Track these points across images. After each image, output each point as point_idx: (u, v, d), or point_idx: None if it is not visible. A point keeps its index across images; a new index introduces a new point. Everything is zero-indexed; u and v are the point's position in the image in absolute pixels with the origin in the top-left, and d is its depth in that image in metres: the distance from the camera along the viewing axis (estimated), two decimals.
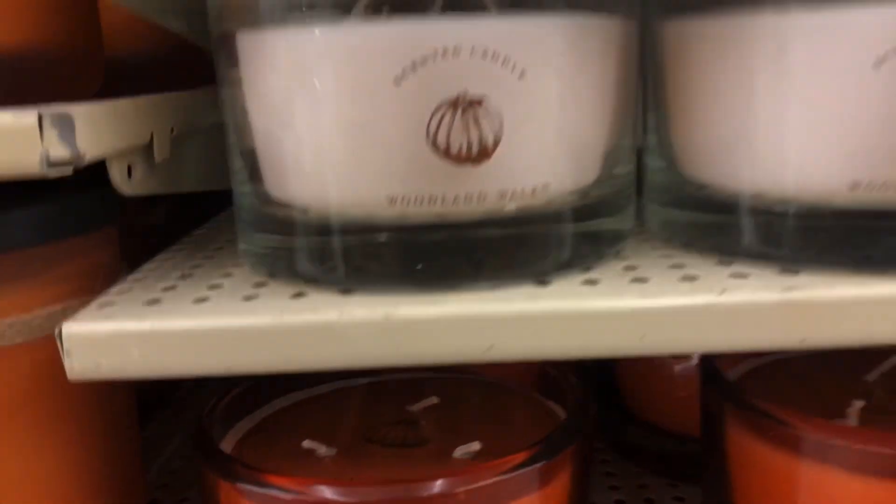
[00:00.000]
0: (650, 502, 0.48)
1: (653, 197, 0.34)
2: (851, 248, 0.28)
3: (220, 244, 0.37)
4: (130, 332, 0.26)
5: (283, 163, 0.29)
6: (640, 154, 0.34)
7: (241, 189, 0.31)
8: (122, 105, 0.30)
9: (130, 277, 0.32)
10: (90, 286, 0.32)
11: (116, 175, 0.30)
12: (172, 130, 0.35)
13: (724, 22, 0.28)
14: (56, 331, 0.26)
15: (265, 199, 0.30)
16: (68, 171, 0.26)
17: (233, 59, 0.29)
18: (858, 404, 0.35)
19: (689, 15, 0.30)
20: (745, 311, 0.26)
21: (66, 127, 0.25)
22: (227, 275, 0.32)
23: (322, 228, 0.28)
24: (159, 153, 0.33)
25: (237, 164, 0.31)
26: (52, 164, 0.25)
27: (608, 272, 0.30)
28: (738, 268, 0.29)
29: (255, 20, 0.28)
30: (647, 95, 0.35)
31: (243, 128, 0.30)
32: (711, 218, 0.31)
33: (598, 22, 0.28)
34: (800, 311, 0.26)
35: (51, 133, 0.25)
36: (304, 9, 0.26)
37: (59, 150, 0.25)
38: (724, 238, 0.30)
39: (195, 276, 0.32)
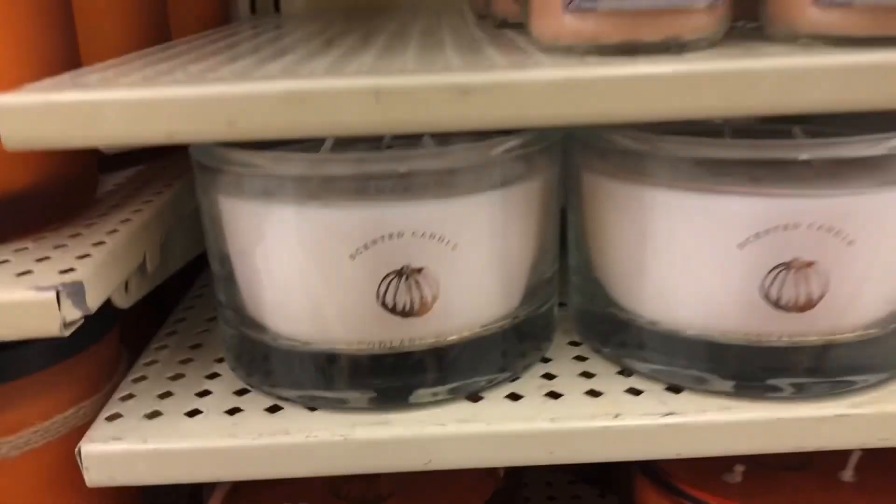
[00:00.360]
0: None
1: (572, 286, 0.40)
2: (725, 376, 0.34)
3: (204, 325, 0.43)
4: (136, 452, 0.33)
5: (255, 297, 0.34)
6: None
7: (220, 297, 0.37)
8: (120, 241, 0.35)
9: (131, 377, 0.38)
10: (98, 384, 0.38)
11: (115, 297, 0.36)
12: (161, 239, 0.40)
13: (624, 186, 0.34)
14: (76, 450, 0.32)
15: (241, 314, 0.36)
16: (80, 324, 0.32)
17: (212, 190, 0.34)
18: (741, 468, 0.42)
19: (597, 173, 0.35)
20: (632, 432, 0.33)
21: (78, 294, 0.31)
22: (214, 375, 0.38)
23: (290, 357, 0.34)
24: (151, 265, 0.39)
25: (216, 266, 0.37)
26: (67, 325, 0.31)
27: (530, 384, 0.36)
28: (634, 381, 0.36)
29: (238, 193, 0.33)
30: (568, 194, 0.39)
31: (220, 237, 0.35)
32: (615, 333, 0.37)
33: (521, 188, 0.34)
34: (675, 433, 0.33)
35: (66, 303, 0.30)
36: (277, 192, 0.31)
37: (73, 314, 0.31)
38: (624, 353, 0.37)
39: (187, 376, 0.38)
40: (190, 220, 0.45)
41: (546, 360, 0.38)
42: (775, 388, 0.33)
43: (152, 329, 0.43)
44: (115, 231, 0.36)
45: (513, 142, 0.33)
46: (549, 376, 0.37)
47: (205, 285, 0.49)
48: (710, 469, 0.42)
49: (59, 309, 0.30)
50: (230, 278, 0.36)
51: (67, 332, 0.31)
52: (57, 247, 0.35)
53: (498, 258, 0.34)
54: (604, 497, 0.57)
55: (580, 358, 0.38)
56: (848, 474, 0.43)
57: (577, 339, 0.40)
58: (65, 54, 0.36)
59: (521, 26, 0.35)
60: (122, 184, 0.45)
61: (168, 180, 0.45)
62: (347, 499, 0.42)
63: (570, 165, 0.37)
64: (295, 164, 0.31)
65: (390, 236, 0.31)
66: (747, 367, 0.34)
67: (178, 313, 0.45)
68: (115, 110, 0.28)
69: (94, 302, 0.32)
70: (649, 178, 0.33)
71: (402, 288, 0.32)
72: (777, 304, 0.32)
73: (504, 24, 0.43)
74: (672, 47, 0.30)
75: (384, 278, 0.32)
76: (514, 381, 0.36)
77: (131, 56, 0.37)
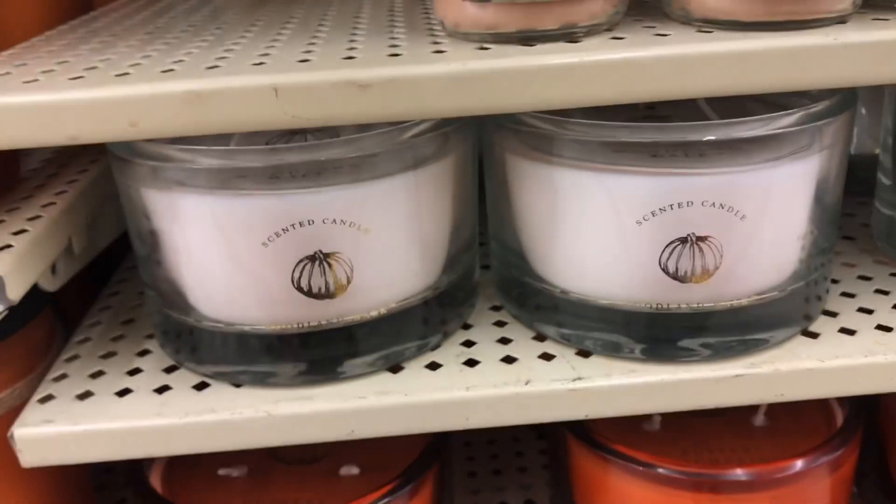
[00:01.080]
0: (520, 453, 0.59)
1: (491, 252, 0.42)
2: (636, 340, 0.36)
3: (137, 299, 0.44)
4: (67, 434, 0.34)
5: (177, 280, 0.35)
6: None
7: (145, 278, 0.37)
8: (42, 228, 0.36)
9: (64, 356, 0.39)
10: (32, 364, 0.39)
11: (42, 282, 0.37)
12: (87, 220, 0.40)
13: (534, 164, 0.35)
14: (9, 434, 0.34)
15: (165, 296, 0.36)
16: (3, 315, 0.32)
17: (128, 178, 0.35)
18: (658, 417, 0.45)
19: (509, 151, 0.36)
20: (541, 398, 0.35)
21: None
22: (145, 352, 0.39)
23: (214, 337, 0.35)
24: (78, 246, 0.39)
25: (138, 248, 0.37)
26: None
27: (449, 352, 0.38)
28: (547, 346, 0.38)
29: (153, 182, 0.33)
30: (484, 165, 0.40)
31: (139, 223, 0.35)
32: (530, 299, 0.39)
33: (434, 167, 0.35)
34: (583, 397, 0.35)
35: None
36: (190, 182, 0.32)
37: None
38: (538, 318, 0.38)
39: (118, 354, 0.39)
40: (115, 201, 0.45)
41: (467, 327, 0.40)
42: (687, 350, 0.35)
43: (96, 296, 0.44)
44: (37, 217, 0.37)
45: (424, 125, 0.33)
46: (468, 343, 0.38)
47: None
48: (630, 418, 0.44)
49: None
50: (152, 260, 0.36)
51: None
52: None
53: (413, 237, 0.35)
54: (541, 438, 0.60)
55: (499, 323, 0.40)
56: (759, 419, 0.45)
57: (498, 303, 0.41)
58: None
59: None
60: (49, 159, 0.45)
61: (94, 155, 0.45)
62: (285, 460, 0.44)
63: (485, 141, 0.38)
64: (207, 157, 0.31)
65: (301, 224, 0.32)
66: (654, 333, 0.36)
67: (111, 287, 0.46)
68: (14, 114, 0.28)
69: (15, 294, 0.33)
70: (556, 157, 0.34)
71: (315, 272, 0.33)
72: (675, 276, 0.34)
73: None
74: (569, 34, 0.30)
75: (298, 263, 0.33)
76: (435, 349, 0.38)
77: (40, 40, 0.37)
